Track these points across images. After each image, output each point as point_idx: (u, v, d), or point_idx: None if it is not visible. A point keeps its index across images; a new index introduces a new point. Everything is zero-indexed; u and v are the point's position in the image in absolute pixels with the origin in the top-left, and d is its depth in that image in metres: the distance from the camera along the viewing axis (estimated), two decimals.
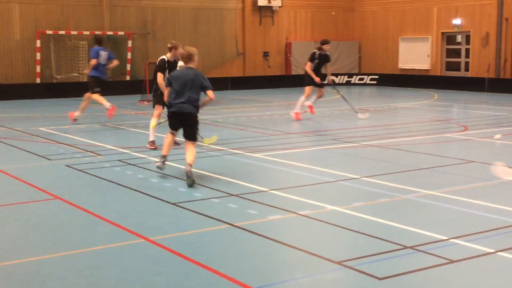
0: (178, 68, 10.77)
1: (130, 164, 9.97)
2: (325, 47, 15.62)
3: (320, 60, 15.59)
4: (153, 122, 11.34)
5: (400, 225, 6.51)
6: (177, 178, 8.89)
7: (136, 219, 6.87)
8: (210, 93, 8.88)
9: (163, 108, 11.07)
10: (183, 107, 8.69)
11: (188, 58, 9.02)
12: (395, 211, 7.14)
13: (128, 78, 24.81)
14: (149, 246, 5.91)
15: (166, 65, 11.32)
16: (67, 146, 11.77)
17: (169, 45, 11.63)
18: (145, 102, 20.50)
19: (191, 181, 8.21)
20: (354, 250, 5.83)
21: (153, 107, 11.73)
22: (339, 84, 29.01)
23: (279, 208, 7.21)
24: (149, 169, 9.52)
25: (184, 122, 8.83)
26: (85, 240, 6.14)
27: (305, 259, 5.58)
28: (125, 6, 24.84)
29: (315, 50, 15.83)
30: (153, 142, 11.50)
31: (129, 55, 24.70)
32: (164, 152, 9.04)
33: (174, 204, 7.45)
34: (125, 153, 11.00)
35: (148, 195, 7.92)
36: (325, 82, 15.81)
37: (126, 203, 7.60)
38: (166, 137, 9.17)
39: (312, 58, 15.64)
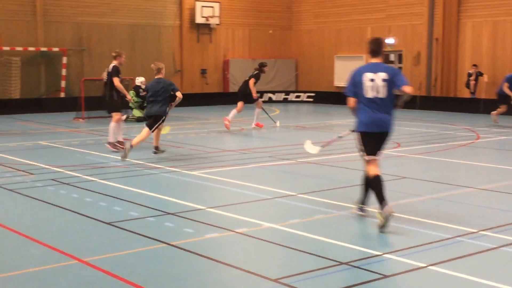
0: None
1: (64, 183, 9.77)
2: (265, 69, 17.92)
3: (257, 79, 17.56)
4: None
5: (335, 241, 6.60)
6: (112, 197, 8.76)
7: (69, 239, 6.72)
8: (178, 93, 12.53)
9: (121, 113, 13.49)
10: (153, 111, 12.40)
11: (157, 71, 12.42)
12: (331, 228, 7.23)
13: (62, 95, 24.35)
14: (83, 268, 5.79)
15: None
16: None
17: (114, 54, 13.40)
18: (80, 120, 20.16)
19: (124, 154, 10.86)
20: (291, 267, 5.86)
21: (109, 113, 13.33)
22: (276, 101, 29.30)
23: (216, 226, 7.20)
24: (83, 188, 9.34)
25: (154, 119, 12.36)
26: (16, 262, 5.96)
27: (242, 277, 5.58)
28: (60, 22, 24.44)
29: (258, 71, 17.62)
30: (119, 143, 13.34)
31: (64, 72, 24.26)
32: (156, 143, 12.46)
33: (109, 223, 7.33)
34: (58, 172, 10.77)
35: (82, 214, 7.77)
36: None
37: (59, 224, 7.43)
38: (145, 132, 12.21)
39: (257, 76, 17.53)
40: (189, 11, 27.50)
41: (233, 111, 17.39)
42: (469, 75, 23.76)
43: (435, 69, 25.49)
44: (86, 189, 9.27)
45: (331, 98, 28.48)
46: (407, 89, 7.25)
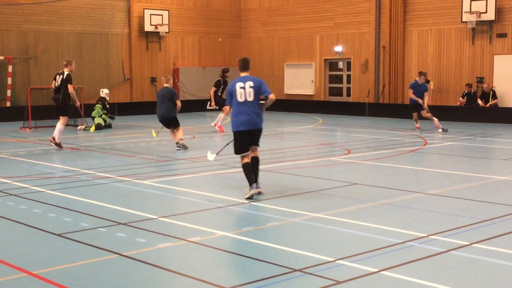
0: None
1: (11, 194, 9.54)
2: (228, 74, 18.94)
3: (225, 85, 18.45)
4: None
5: (288, 248, 6.62)
6: (61, 207, 8.59)
7: (18, 252, 6.56)
8: (178, 102, 15.07)
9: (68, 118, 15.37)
10: (159, 114, 15.17)
11: (166, 80, 15.39)
12: (284, 235, 7.26)
13: (8, 104, 23.79)
14: (32, 280, 5.66)
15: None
16: None
17: (65, 62, 14.98)
18: (27, 129, 19.74)
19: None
20: (244, 275, 5.86)
21: (60, 115, 14.80)
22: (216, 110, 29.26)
23: (169, 236, 7.14)
24: (31, 199, 9.14)
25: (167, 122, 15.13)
26: None
27: (196, 286, 5.55)
28: (5, 30, 23.92)
29: (220, 78, 18.84)
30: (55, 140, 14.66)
31: (9, 81, 23.71)
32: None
33: (59, 235, 7.19)
34: (5, 183, 10.51)
35: (31, 226, 7.60)
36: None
37: (7, 236, 7.25)
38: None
39: (218, 84, 18.69)
40: (137, 19, 27.29)
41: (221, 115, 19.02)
42: None
43: (382, 76, 25.93)
44: (35, 200, 9.07)
45: (282, 105, 28.64)
46: (272, 96, 9.44)
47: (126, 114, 25.86)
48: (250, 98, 9.24)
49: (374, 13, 25.92)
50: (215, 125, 19.17)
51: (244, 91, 9.27)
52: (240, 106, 9.26)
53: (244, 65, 9.57)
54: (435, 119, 19.23)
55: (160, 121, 15.30)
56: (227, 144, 11.70)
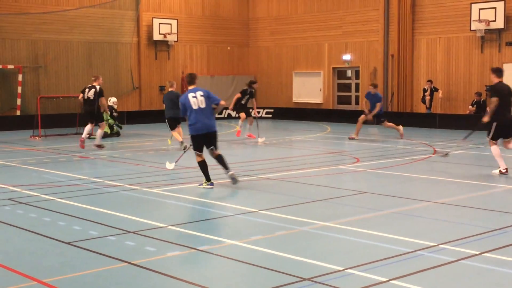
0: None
1: (21, 202, 9.58)
2: (255, 86, 19.66)
3: (250, 95, 19.26)
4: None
5: (297, 257, 6.61)
6: (71, 216, 8.62)
7: (28, 260, 6.58)
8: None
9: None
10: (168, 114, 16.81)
11: (171, 85, 17.26)
12: (293, 244, 7.25)
13: (18, 113, 23.91)
14: None
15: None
16: None
17: (93, 78, 17.59)
18: (37, 138, 19.82)
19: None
20: (253, 284, 5.85)
21: (98, 123, 17.11)
22: (236, 117, 29.32)
23: (178, 244, 7.15)
24: (41, 208, 9.17)
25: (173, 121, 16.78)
26: None
27: None
28: (15, 39, 24.08)
29: (247, 87, 19.34)
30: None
31: (19, 89, 23.85)
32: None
33: (68, 243, 7.21)
34: (15, 191, 10.55)
35: (40, 234, 7.63)
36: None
37: (17, 244, 7.27)
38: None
39: (244, 92, 19.23)
40: (146, 28, 27.42)
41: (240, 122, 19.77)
42: (424, 90, 24.22)
43: (391, 85, 25.91)
44: (44, 208, 9.10)
45: (290, 114, 28.68)
46: (222, 102, 10.99)
47: (134, 123, 25.95)
48: (203, 105, 10.69)
49: (382, 22, 25.93)
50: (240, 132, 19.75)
51: (196, 100, 10.69)
52: (196, 113, 10.69)
53: (191, 79, 11.05)
54: (400, 128, 19.31)
55: (167, 119, 16.97)
56: (184, 152, 13.32)
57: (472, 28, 23.04)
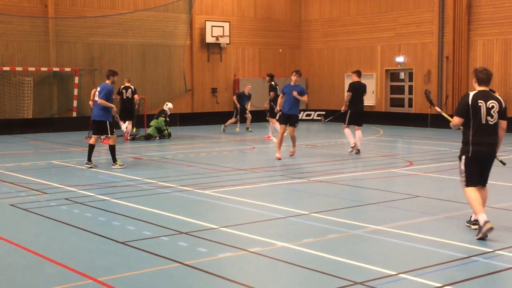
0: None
1: (77, 202, 9.80)
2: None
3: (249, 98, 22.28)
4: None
5: (349, 260, 6.57)
6: (125, 216, 8.77)
7: (84, 259, 6.73)
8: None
9: None
10: None
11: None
12: (344, 247, 7.20)
13: (74, 114, 24.48)
14: (98, 287, 5.79)
15: None
16: (11, 184, 11.50)
17: (129, 78, 19.90)
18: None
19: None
20: (304, 287, 5.84)
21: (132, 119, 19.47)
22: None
23: (230, 246, 7.19)
24: (96, 208, 9.37)
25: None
26: (31, 282, 5.97)
27: None
28: (72, 43, 24.65)
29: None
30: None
31: (75, 92, 24.42)
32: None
33: (122, 243, 7.34)
34: (71, 191, 10.81)
35: (96, 234, 7.79)
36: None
37: (73, 243, 7.44)
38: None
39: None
40: (199, 31, 27.68)
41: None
42: None
43: (445, 87, 25.47)
44: (99, 208, 9.29)
45: (342, 116, 28.45)
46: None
47: (187, 125, 26.24)
48: None
49: (437, 23, 25.51)
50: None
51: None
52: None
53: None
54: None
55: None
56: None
57: None
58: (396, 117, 26.67)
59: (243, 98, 22.90)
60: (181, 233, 7.80)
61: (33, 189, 10.94)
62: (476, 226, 7.76)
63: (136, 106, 20.05)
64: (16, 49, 23.54)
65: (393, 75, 27.93)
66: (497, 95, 22.79)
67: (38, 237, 7.78)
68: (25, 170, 13.41)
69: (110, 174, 12.73)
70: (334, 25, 29.50)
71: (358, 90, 16.17)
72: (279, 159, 14.79)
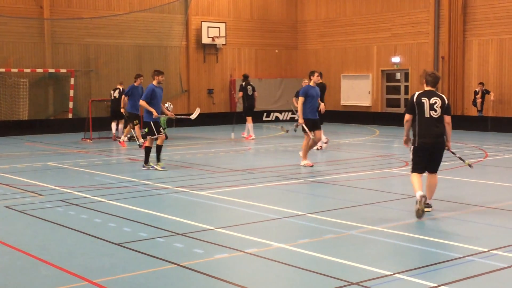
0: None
1: (73, 204, 9.78)
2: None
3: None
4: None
5: (345, 261, 6.57)
6: (121, 217, 8.76)
7: (79, 260, 6.72)
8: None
9: None
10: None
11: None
12: (340, 247, 7.20)
13: (70, 116, 24.44)
14: None
15: None
16: (6, 186, 11.48)
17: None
18: (88, 140, 20.22)
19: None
20: None
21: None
22: (283, 120, 29.40)
23: (226, 247, 7.19)
24: (92, 209, 9.35)
25: None
26: (26, 284, 5.96)
27: None
28: (68, 44, 24.62)
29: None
30: None
31: (71, 93, 24.37)
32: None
33: (118, 244, 7.33)
34: (67, 192, 10.79)
35: (91, 235, 7.77)
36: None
37: (69, 245, 7.43)
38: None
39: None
40: (195, 32, 27.68)
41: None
42: (476, 93, 23.76)
43: (441, 87, 25.48)
44: (95, 210, 9.28)
45: (338, 117, 28.50)
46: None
47: (183, 126, 26.21)
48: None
49: (432, 23, 25.55)
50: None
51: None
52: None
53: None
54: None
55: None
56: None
57: None
58: (392, 117, 26.69)
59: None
60: (177, 234, 7.79)
61: (28, 191, 10.92)
62: (429, 209, 8.91)
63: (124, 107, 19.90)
64: (11, 50, 23.51)
65: (389, 76, 27.96)
66: (492, 96, 22.51)
67: (33, 239, 7.76)
68: (20, 171, 13.38)
69: (106, 176, 12.72)
70: (330, 26, 29.52)
71: (321, 91, 16.15)
72: (312, 165, 13.76)
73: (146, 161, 13.62)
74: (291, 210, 9.17)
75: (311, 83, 14.05)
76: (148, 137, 13.78)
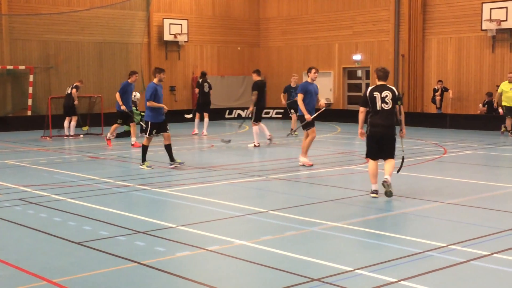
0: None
1: (32, 203, 9.63)
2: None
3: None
4: None
5: (307, 257, 6.61)
6: (81, 216, 8.65)
7: (38, 260, 6.62)
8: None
9: None
10: None
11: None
12: (302, 244, 7.24)
13: (29, 113, 24.03)
14: None
15: None
16: None
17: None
18: (48, 138, 19.91)
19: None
20: (263, 285, 5.85)
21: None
22: (246, 118, 29.38)
23: (187, 244, 7.16)
24: (51, 208, 9.22)
25: None
26: None
27: None
28: (26, 40, 24.20)
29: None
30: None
31: (30, 90, 23.96)
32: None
33: (78, 243, 7.24)
34: (26, 191, 10.61)
35: (51, 234, 7.66)
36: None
37: (27, 244, 7.31)
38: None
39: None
40: (157, 29, 27.49)
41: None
42: (435, 90, 24.13)
43: (401, 85, 25.83)
44: (55, 209, 9.15)
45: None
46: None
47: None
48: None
49: (393, 22, 25.86)
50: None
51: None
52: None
53: None
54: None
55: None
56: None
57: (483, 28, 22.90)
58: (354, 114, 26.65)
59: (291, 91, 20.96)
60: (138, 232, 7.73)
61: None
62: (375, 195, 9.83)
63: (76, 102, 20.18)
64: None
65: (350, 73, 28.20)
66: (450, 94, 22.73)
67: None
68: None
69: (66, 174, 12.54)
70: (292, 23, 29.64)
71: (262, 88, 17.40)
72: (311, 165, 13.44)
73: (144, 159, 13.36)
74: (253, 207, 9.18)
75: (309, 80, 14.16)
76: (145, 137, 13.53)
